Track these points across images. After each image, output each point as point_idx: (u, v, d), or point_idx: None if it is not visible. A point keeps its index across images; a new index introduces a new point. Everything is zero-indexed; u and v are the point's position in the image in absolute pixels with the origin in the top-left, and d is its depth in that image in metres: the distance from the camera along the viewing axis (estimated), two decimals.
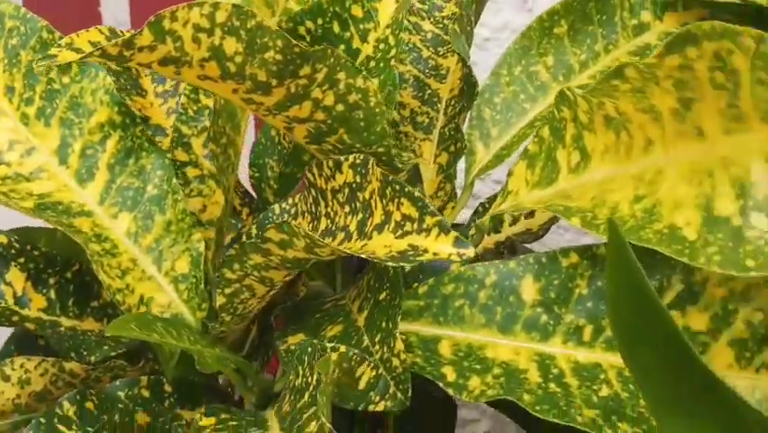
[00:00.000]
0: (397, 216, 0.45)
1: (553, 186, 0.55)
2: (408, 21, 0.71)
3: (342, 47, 0.60)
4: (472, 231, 0.63)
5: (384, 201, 0.45)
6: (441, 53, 0.70)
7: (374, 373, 0.49)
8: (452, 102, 0.68)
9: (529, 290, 0.53)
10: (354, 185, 0.48)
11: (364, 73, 0.49)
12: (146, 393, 0.53)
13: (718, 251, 0.46)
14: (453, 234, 0.43)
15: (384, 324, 0.50)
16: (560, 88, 0.54)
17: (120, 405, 0.51)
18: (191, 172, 0.60)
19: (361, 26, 0.60)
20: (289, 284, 0.57)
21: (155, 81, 0.73)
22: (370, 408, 0.48)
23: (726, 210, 0.47)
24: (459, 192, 0.67)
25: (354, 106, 0.49)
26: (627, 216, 0.49)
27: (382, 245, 0.45)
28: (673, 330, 0.40)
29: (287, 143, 0.66)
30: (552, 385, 0.49)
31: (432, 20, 0.71)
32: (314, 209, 0.51)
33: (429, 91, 0.68)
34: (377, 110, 0.50)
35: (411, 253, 0.43)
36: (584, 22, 0.68)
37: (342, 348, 0.45)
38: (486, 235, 0.67)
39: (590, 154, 0.53)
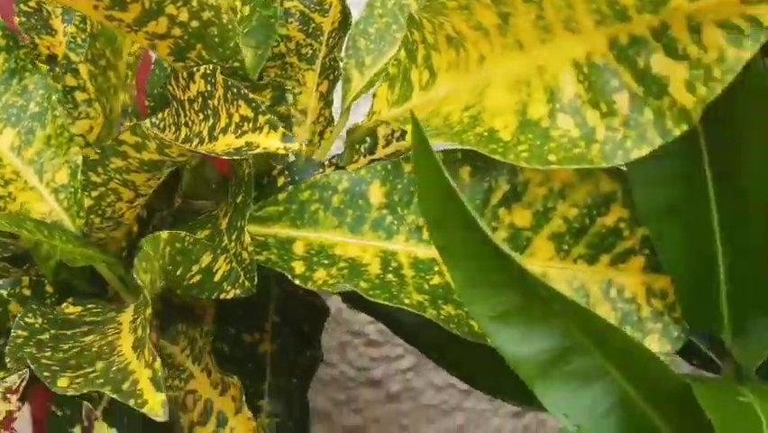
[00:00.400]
0: (236, 118, 0.50)
1: (407, 103, 0.60)
2: None
3: None
4: (345, 149, 0.68)
5: (227, 105, 0.50)
6: None
7: (228, 267, 0.54)
8: (333, 34, 0.73)
9: (376, 193, 0.58)
10: (206, 93, 0.52)
11: None
12: (27, 292, 0.58)
13: (527, 149, 0.51)
14: (282, 130, 0.48)
15: (238, 223, 0.54)
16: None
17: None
18: (79, 96, 0.64)
19: None
20: (164, 194, 0.61)
21: (65, 21, 0.78)
22: (222, 296, 0.53)
23: (538, 114, 0.52)
24: (336, 117, 0.72)
25: (208, 23, 0.54)
26: (455, 122, 0.54)
27: (224, 144, 0.49)
28: (471, 217, 0.45)
29: None
30: (389, 276, 0.55)
31: None
32: (176, 120, 0.55)
33: (313, 25, 0.73)
34: (229, 26, 0.54)
35: (245, 148, 0.48)
36: None
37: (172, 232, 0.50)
38: (362, 157, 0.72)
39: (437, 72, 0.58)
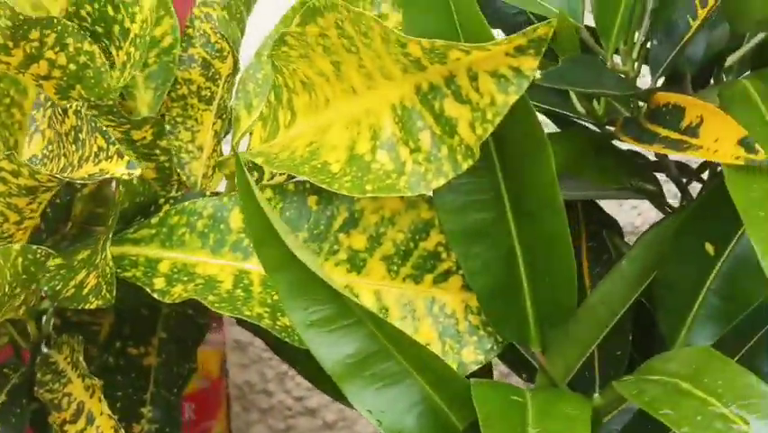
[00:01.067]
0: (95, 148, 0.57)
1: (274, 140, 0.68)
2: (201, 11, 0.83)
3: (117, 27, 0.72)
4: (227, 180, 0.75)
5: (90, 137, 0.58)
6: (225, 38, 0.82)
7: (95, 282, 0.62)
8: (229, 78, 0.81)
9: (236, 219, 0.65)
10: (77, 127, 0.60)
11: (89, 39, 0.62)
12: None
13: (350, 180, 0.58)
14: (127, 159, 0.55)
15: (106, 243, 0.62)
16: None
17: None
18: None
19: (130, 9, 0.72)
20: (59, 216, 0.69)
21: None
22: (86, 306, 0.60)
23: (363, 149, 0.59)
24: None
25: (84, 66, 0.62)
26: (298, 156, 0.62)
27: (85, 171, 0.57)
28: (286, 239, 0.53)
29: None
30: (238, 291, 0.62)
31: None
32: (58, 150, 0.63)
33: (213, 70, 0.81)
34: (102, 69, 0.62)
35: (98, 174, 0.56)
36: None
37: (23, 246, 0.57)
38: None
39: (296, 113, 0.66)
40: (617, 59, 0.71)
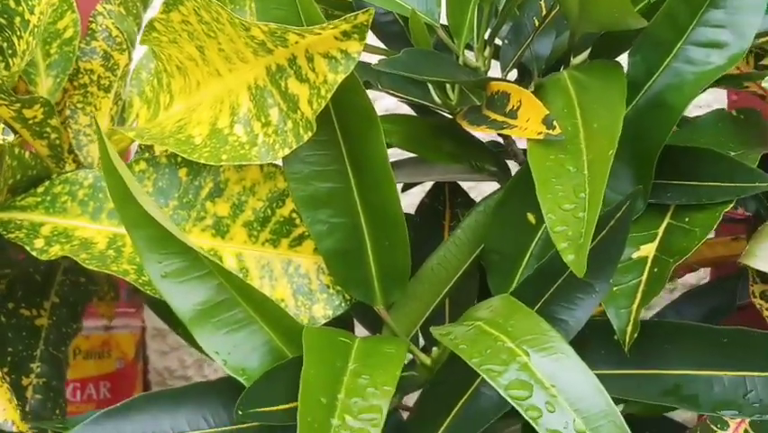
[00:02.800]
0: None
1: (156, 120, 0.75)
2: (104, 7, 0.90)
3: (18, 18, 0.79)
4: None
5: None
6: (121, 31, 0.89)
7: None
8: (126, 68, 0.88)
9: None
10: None
11: None
12: None
13: (209, 151, 0.65)
14: (1, 126, 0.62)
15: None
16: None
17: None
18: None
19: (30, 2, 0.79)
20: None
21: None
22: None
23: (223, 124, 0.66)
24: None
25: None
26: (166, 130, 0.69)
27: None
28: (141, 200, 0.59)
29: None
30: (110, 251, 0.68)
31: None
32: None
33: (112, 61, 0.87)
34: None
35: None
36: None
37: None
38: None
39: (174, 95, 0.73)
40: (471, 55, 0.79)
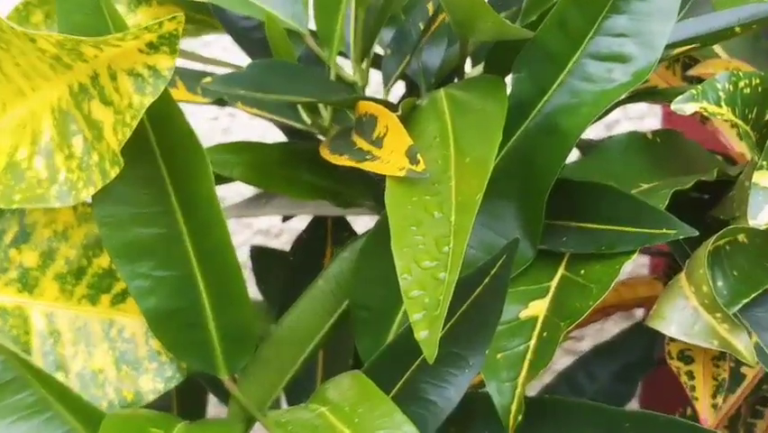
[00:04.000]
0: None
1: None
2: None
3: None
4: None
5: None
6: None
7: None
8: None
9: None
10: None
11: None
12: None
13: (1, 189, 0.53)
14: None
15: None
16: None
17: None
18: None
19: None
20: None
21: None
22: None
23: (22, 155, 0.54)
24: None
25: None
26: None
27: None
28: None
29: None
30: None
31: None
32: None
33: None
34: None
35: None
36: None
37: None
38: None
39: None
40: (350, 66, 0.68)
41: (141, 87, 0.47)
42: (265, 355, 0.57)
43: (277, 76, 0.58)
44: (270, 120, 0.68)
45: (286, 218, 0.81)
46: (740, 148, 0.71)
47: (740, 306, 0.53)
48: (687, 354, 0.57)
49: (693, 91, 0.51)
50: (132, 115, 0.47)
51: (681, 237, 0.49)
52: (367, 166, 0.51)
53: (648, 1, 0.52)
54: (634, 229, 0.50)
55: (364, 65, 0.67)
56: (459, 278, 0.45)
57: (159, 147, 0.51)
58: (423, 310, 0.43)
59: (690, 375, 0.56)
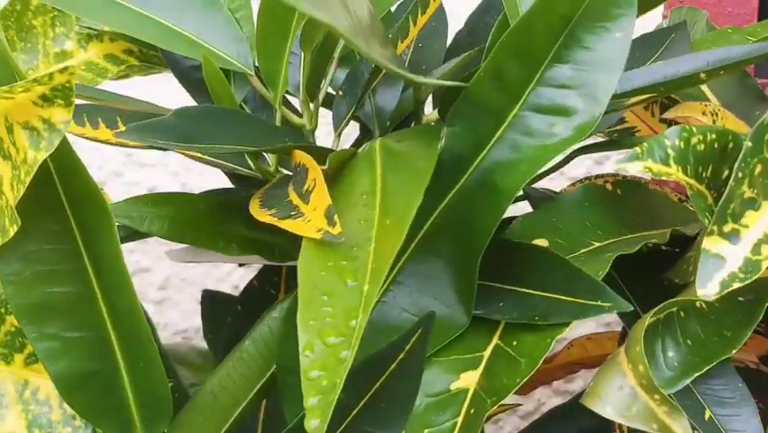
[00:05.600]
0: None
1: None
2: None
3: None
4: None
5: None
6: None
7: None
8: None
9: None
10: None
11: None
12: None
13: None
14: None
15: None
16: None
17: None
18: None
19: None
20: None
21: None
22: None
23: None
24: None
25: None
26: None
27: None
28: None
29: None
30: None
31: None
32: None
33: None
34: None
35: None
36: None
37: None
38: None
39: None
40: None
41: (36, 141, 0.44)
42: (187, 421, 0.53)
43: (205, 123, 0.55)
44: (213, 165, 0.65)
45: (241, 265, 0.78)
46: None
47: (691, 379, 0.49)
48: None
49: (638, 149, 0.47)
50: (27, 171, 0.44)
51: (616, 311, 0.46)
52: (286, 225, 0.47)
53: (593, 51, 0.49)
54: (568, 299, 0.46)
55: (312, 107, 0.64)
56: (375, 352, 0.41)
57: (68, 201, 0.48)
58: (319, 395, 0.39)
59: None
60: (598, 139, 0.73)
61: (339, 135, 0.66)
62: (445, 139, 0.50)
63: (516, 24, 0.48)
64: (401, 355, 0.43)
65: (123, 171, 1.14)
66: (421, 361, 0.43)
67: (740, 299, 0.55)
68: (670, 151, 0.48)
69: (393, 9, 0.70)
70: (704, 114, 0.68)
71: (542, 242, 0.53)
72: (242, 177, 0.67)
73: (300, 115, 0.64)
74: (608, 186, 0.60)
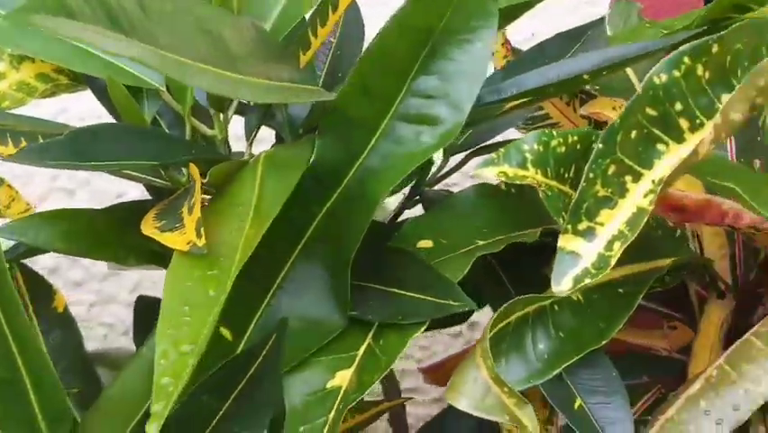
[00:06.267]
0: None
1: None
2: None
3: None
4: None
5: None
6: None
7: None
8: None
9: None
10: None
11: None
12: None
13: None
14: None
15: None
16: None
17: None
18: None
19: None
20: None
21: None
22: None
23: None
24: None
25: None
26: None
27: None
28: None
29: None
30: None
31: None
32: None
33: None
34: None
35: None
36: None
37: None
38: None
39: None
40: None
41: None
42: (90, 426, 0.56)
43: (105, 141, 0.57)
44: (129, 179, 0.68)
45: None
46: None
47: (558, 370, 0.52)
48: None
49: (494, 155, 0.49)
50: None
51: (467, 309, 0.48)
52: (162, 238, 0.50)
53: (456, 61, 0.51)
54: (427, 298, 0.49)
55: (223, 118, 0.66)
56: (236, 356, 0.44)
57: None
58: (164, 401, 0.42)
59: None
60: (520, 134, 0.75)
61: (251, 144, 0.68)
62: (320, 150, 0.52)
63: (375, 40, 0.51)
64: (259, 360, 0.45)
65: (91, 179, 1.17)
66: (277, 364, 0.45)
67: (620, 290, 0.57)
68: (528, 155, 0.50)
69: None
70: (614, 109, 0.70)
71: (426, 243, 0.56)
72: (159, 188, 0.69)
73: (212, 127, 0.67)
74: (502, 185, 0.62)
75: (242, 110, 0.69)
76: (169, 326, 0.44)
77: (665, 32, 0.77)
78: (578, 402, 0.52)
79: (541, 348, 0.52)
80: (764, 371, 0.51)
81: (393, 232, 0.57)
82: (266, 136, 0.71)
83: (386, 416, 0.75)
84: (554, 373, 0.51)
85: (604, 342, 0.53)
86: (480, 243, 0.57)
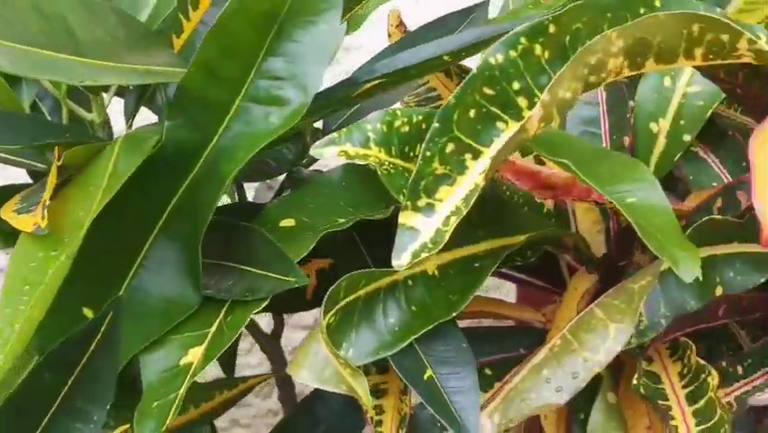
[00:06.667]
0: None
1: None
2: None
3: None
4: None
5: None
6: None
7: None
8: None
9: None
10: None
11: None
12: None
13: None
14: None
15: None
16: None
17: None
18: None
19: None
20: None
21: None
22: None
23: None
24: None
25: None
26: None
27: None
28: None
29: None
30: None
31: None
32: None
33: None
34: None
35: None
36: None
37: None
38: None
39: None
40: None
41: None
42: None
43: None
44: (11, 164, 0.68)
45: None
46: None
47: (407, 342, 0.53)
48: (382, 388, 0.57)
49: (336, 135, 0.51)
50: None
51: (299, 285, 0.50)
52: (15, 220, 0.51)
53: (301, 43, 0.52)
54: (270, 275, 0.50)
55: (99, 101, 0.67)
56: (76, 333, 0.45)
57: None
58: None
59: (381, 410, 0.56)
60: None
61: (130, 126, 0.69)
62: (171, 131, 0.53)
63: (215, 25, 0.52)
64: (98, 336, 0.47)
65: None
66: (116, 340, 0.47)
67: (475, 264, 0.59)
68: (371, 134, 0.52)
69: None
70: None
71: (288, 222, 0.57)
72: (40, 173, 0.70)
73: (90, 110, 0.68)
74: (370, 165, 0.64)
75: (122, 93, 0.71)
76: (6, 306, 0.46)
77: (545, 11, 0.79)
78: (428, 373, 0.53)
79: (391, 321, 0.53)
80: (602, 340, 0.53)
81: (259, 212, 0.59)
82: None
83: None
84: (404, 344, 0.53)
85: (454, 313, 0.55)
86: (341, 220, 0.58)
